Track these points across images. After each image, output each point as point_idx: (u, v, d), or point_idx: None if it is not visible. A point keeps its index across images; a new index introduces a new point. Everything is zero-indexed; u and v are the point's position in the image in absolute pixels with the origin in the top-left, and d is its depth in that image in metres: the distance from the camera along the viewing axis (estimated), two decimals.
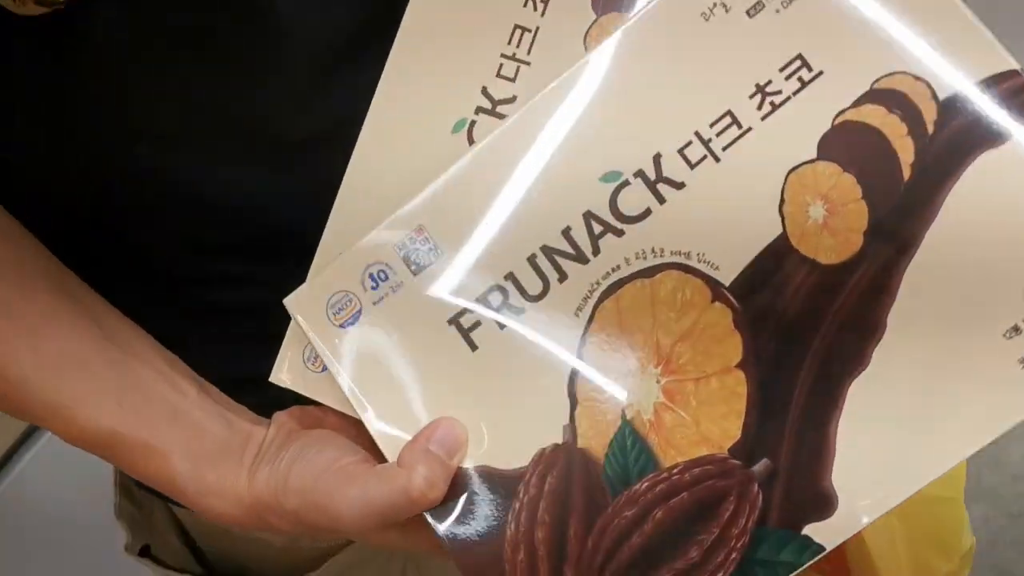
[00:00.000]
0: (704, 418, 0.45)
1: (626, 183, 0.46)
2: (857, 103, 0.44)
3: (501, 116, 0.50)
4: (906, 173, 0.44)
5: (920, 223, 0.44)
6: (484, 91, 0.50)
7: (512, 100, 0.50)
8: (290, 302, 0.49)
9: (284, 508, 0.47)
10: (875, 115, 0.44)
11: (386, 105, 0.51)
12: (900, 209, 0.44)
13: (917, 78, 0.44)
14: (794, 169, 0.45)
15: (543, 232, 0.47)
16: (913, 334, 0.44)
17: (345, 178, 0.51)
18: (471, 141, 0.50)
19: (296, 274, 0.50)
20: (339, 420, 0.50)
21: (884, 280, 0.44)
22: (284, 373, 0.51)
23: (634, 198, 0.46)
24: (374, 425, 0.48)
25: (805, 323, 0.45)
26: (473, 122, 0.50)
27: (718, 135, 0.46)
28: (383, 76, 0.50)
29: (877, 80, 0.44)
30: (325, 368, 0.50)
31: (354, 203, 0.51)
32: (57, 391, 0.49)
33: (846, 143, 0.44)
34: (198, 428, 0.50)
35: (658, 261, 0.46)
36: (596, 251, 0.46)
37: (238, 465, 0.49)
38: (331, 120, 0.52)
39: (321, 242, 0.51)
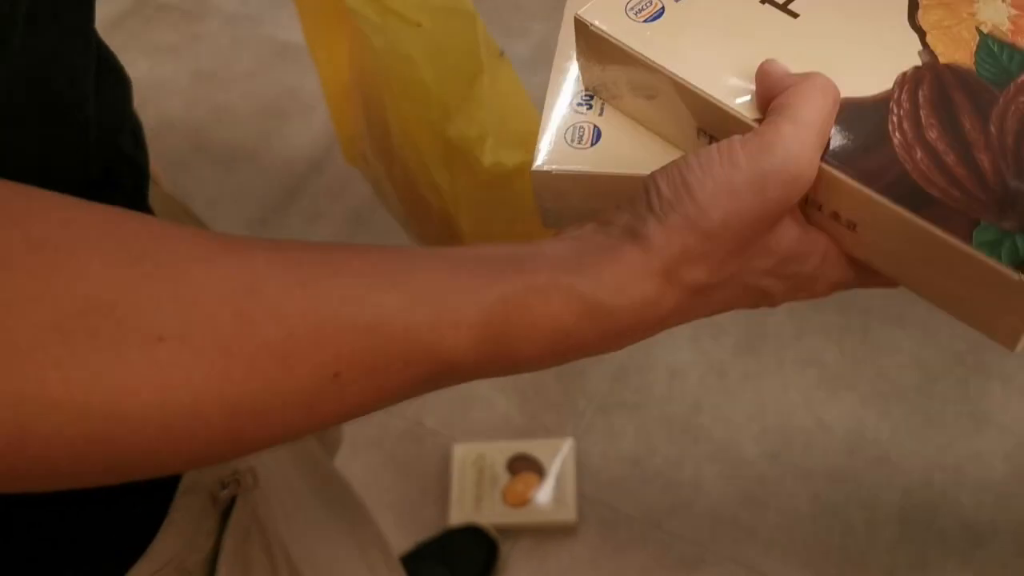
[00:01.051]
0: None
1: None
2: None
3: None
4: None
5: None
6: None
7: None
8: (585, 12, 0.46)
9: (703, 231, 0.38)
10: None
11: None
12: None
13: None
14: None
15: None
16: None
17: None
18: None
19: None
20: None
21: None
22: (544, 156, 0.48)
23: None
24: (727, 99, 0.43)
25: None
26: None
27: None
28: None
29: None
30: (596, 141, 0.47)
31: None
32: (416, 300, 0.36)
33: None
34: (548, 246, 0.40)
35: None
36: None
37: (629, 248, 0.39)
38: None
39: None
